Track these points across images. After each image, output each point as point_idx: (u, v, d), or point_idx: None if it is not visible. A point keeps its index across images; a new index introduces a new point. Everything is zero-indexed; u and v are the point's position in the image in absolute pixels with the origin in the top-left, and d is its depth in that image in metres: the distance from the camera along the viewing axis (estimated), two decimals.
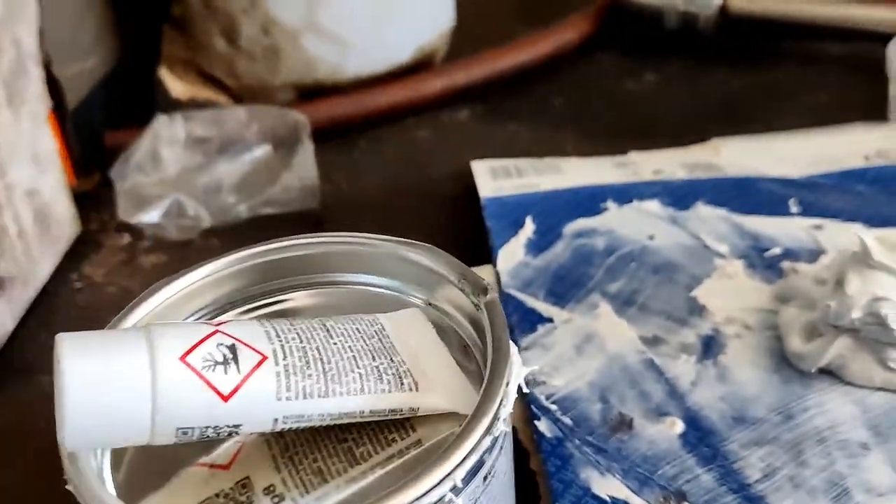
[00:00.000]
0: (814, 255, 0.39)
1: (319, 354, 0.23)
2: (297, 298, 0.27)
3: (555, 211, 0.45)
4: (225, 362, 0.22)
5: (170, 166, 0.51)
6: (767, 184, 0.45)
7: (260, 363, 0.22)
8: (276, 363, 0.22)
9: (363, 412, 0.23)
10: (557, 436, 0.32)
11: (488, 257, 0.43)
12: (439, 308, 0.27)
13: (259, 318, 0.27)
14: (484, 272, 0.42)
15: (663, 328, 0.36)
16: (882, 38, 0.55)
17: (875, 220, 0.42)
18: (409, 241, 0.27)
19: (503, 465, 0.23)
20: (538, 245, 0.42)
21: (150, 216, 0.49)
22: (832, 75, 0.61)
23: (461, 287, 0.26)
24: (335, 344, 0.24)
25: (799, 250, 0.40)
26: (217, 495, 0.24)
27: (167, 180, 0.50)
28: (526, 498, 0.31)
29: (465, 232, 0.46)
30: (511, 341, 0.24)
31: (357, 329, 0.25)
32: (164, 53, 0.63)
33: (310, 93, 0.60)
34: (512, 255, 0.42)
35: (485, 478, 0.22)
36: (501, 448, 0.23)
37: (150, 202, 0.49)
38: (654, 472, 0.30)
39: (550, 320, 0.38)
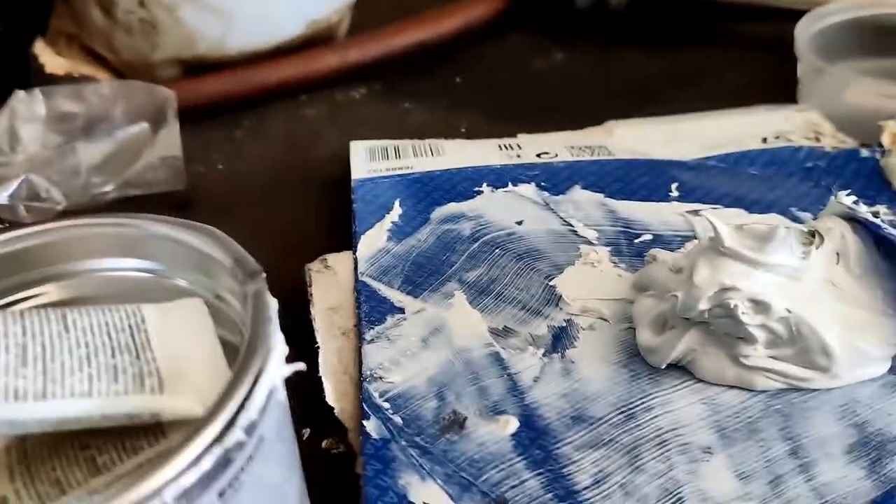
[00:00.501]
0: (685, 240, 0.37)
1: (43, 351, 0.20)
2: (51, 292, 0.24)
3: (426, 195, 0.42)
4: None
5: (29, 145, 0.47)
6: (653, 166, 0.43)
7: None
8: None
9: (92, 417, 0.20)
10: (384, 437, 0.29)
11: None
12: (220, 295, 0.24)
13: None
14: (343, 259, 0.39)
15: (516, 319, 0.34)
16: (794, 17, 0.53)
17: (760, 204, 0.39)
18: (182, 220, 0.24)
19: (258, 477, 0.20)
20: (403, 230, 0.40)
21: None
22: (742, 57, 0.59)
23: (233, 273, 0.23)
24: (69, 339, 0.21)
25: (670, 236, 0.37)
26: None
27: (24, 160, 0.47)
28: (347, 501, 0.29)
29: (341, 216, 0.43)
30: (274, 336, 0.21)
31: (106, 322, 0.22)
32: (51, 27, 0.60)
33: (195, 69, 0.57)
34: (374, 240, 0.39)
35: (220, 493, 0.19)
36: (251, 458, 0.20)
37: (1, 182, 0.45)
38: (479, 476, 0.27)
39: (402, 311, 0.35)
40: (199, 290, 0.25)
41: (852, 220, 0.30)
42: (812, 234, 0.30)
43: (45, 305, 0.24)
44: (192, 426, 0.20)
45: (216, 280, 0.24)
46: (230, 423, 0.19)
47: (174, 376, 0.21)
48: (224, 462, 0.19)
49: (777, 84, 0.53)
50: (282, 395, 0.22)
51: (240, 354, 0.20)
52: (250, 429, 0.19)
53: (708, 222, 0.29)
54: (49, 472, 0.21)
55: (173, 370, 0.21)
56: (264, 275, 0.23)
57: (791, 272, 0.28)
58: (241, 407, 0.19)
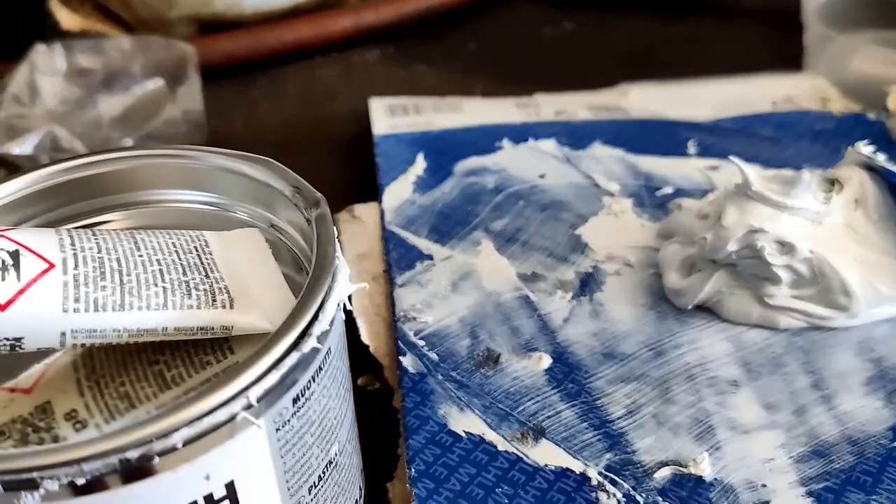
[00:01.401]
0: (705, 194, 0.38)
1: (120, 266, 0.21)
2: (116, 220, 0.25)
3: (448, 149, 0.43)
4: (3, 269, 0.19)
5: (49, 98, 0.48)
6: (669, 126, 0.44)
7: (45, 272, 0.20)
8: (65, 272, 0.20)
9: (167, 329, 0.21)
10: (421, 371, 0.30)
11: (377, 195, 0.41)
12: (277, 226, 0.25)
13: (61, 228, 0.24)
14: (369, 209, 0.40)
15: (543, 265, 0.35)
16: None
17: (773, 163, 0.41)
18: (241, 153, 0.25)
19: (324, 388, 0.21)
20: (427, 183, 0.41)
21: (23, 147, 0.45)
22: (750, 27, 0.60)
23: (294, 201, 0.24)
24: (141, 256, 0.22)
25: (691, 190, 0.38)
26: (14, 420, 0.21)
27: (44, 112, 0.47)
28: (388, 438, 0.30)
29: (360, 172, 0.44)
30: (338, 257, 0.22)
31: (173, 243, 0.23)
32: None
33: (210, 27, 0.57)
34: (399, 192, 0.40)
35: (295, 400, 0.20)
36: (320, 369, 0.21)
37: (23, 133, 0.46)
38: (516, 407, 0.29)
39: (430, 257, 0.36)
40: (257, 222, 0.26)
41: (870, 168, 0.31)
42: (832, 181, 0.31)
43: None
44: (258, 343, 0.21)
45: (275, 211, 0.25)
46: (305, 332, 0.20)
47: (242, 296, 0.22)
48: (297, 369, 0.20)
49: (782, 53, 0.54)
50: (342, 314, 0.23)
51: (311, 271, 0.21)
52: (322, 338, 0.20)
53: (737, 166, 0.30)
54: (118, 387, 0.22)
55: (240, 290, 0.22)
56: (324, 202, 0.23)
57: (814, 216, 0.30)
58: (315, 317, 0.20)
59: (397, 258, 0.36)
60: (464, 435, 0.28)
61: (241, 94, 0.55)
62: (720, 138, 0.43)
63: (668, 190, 0.39)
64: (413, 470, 0.27)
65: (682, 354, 0.30)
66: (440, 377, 0.30)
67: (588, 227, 0.36)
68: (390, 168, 0.42)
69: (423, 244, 0.37)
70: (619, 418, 0.28)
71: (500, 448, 0.27)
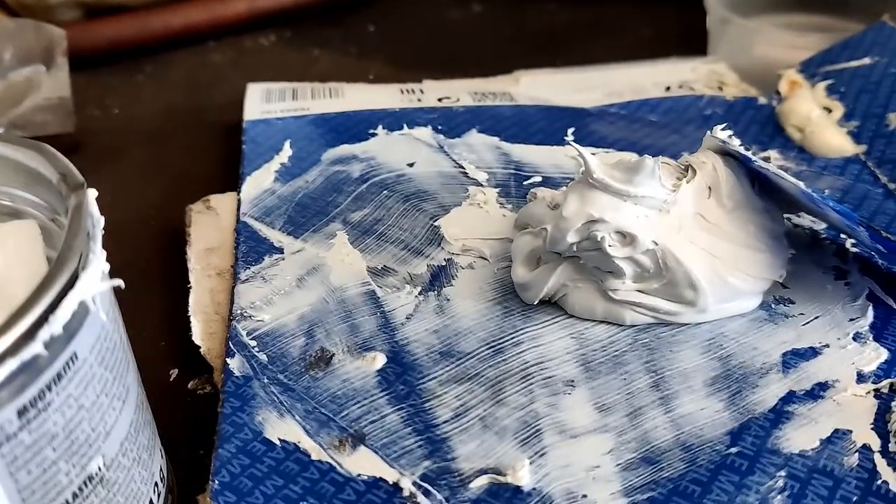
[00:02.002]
0: None
1: None
2: None
3: (319, 136, 0.41)
4: None
5: None
6: (552, 113, 0.42)
7: None
8: None
9: None
10: (246, 374, 0.28)
11: None
12: (58, 220, 0.23)
13: None
14: (227, 200, 0.38)
15: (396, 259, 0.33)
16: None
17: (651, 150, 0.39)
18: (13, 135, 0.23)
19: (71, 398, 0.19)
20: (291, 172, 0.38)
21: None
22: (656, 10, 0.58)
23: (59, 188, 0.22)
24: None
25: (560, 178, 0.37)
26: None
27: None
28: (210, 443, 0.28)
29: (234, 159, 0.42)
30: (92, 250, 0.20)
31: None
32: None
33: (97, 12, 0.55)
34: (260, 181, 0.38)
35: (21, 412, 0.18)
36: (60, 377, 0.19)
37: None
38: (339, 412, 0.27)
39: (281, 251, 0.34)
40: (34, 212, 0.23)
41: (727, 154, 0.30)
42: (686, 167, 0.29)
43: None
44: None
45: (49, 199, 0.23)
46: (28, 335, 0.18)
47: None
48: (24, 376, 0.18)
49: (689, 37, 0.53)
50: (105, 315, 0.21)
51: (52, 268, 0.19)
52: (54, 344, 0.18)
53: (577, 152, 0.28)
54: None
55: None
56: (89, 189, 0.21)
57: (660, 204, 0.28)
58: (43, 319, 0.18)
59: (245, 252, 0.34)
60: (278, 443, 0.26)
61: (124, 81, 0.52)
62: (603, 125, 0.41)
63: (536, 178, 0.37)
64: (217, 482, 0.25)
65: (522, 352, 0.28)
66: (266, 380, 0.28)
67: (448, 219, 0.35)
68: (256, 156, 0.40)
69: (276, 236, 0.35)
70: (445, 422, 0.26)
71: (314, 457, 0.25)
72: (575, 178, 0.29)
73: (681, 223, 0.28)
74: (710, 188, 0.29)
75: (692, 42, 0.52)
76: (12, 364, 0.17)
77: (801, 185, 0.28)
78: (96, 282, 0.20)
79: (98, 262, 0.20)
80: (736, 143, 0.29)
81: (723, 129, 0.30)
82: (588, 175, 0.28)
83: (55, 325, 0.18)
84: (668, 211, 0.28)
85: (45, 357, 0.18)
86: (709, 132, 0.30)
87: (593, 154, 0.28)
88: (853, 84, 0.41)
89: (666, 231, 0.28)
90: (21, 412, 0.18)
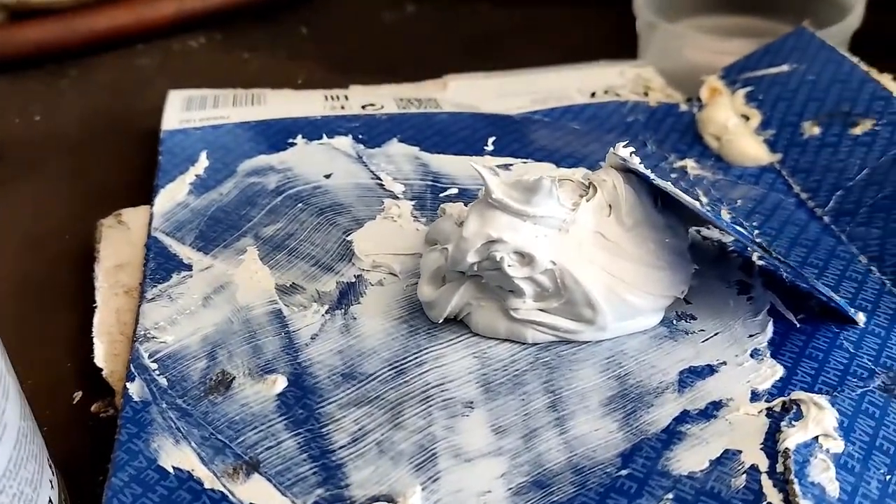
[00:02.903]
0: None
1: None
2: None
3: (236, 146, 0.40)
4: None
5: None
6: (475, 120, 0.42)
7: None
8: None
9: None
10: (145, 399, 0.28)
11: None
12: None
13: None
14: (139, 214, 0.37)
15: (306, 275, 0.33)
16: None
17: (570, 160, 0.39)
18: None
19: None
20: (205, 184, 0.38)
21: None
22: (589, 13, 0.58)
23: None
24: None
25: (475, 191, 0.37)
26: None
27: None
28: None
29: (152, 169, 0.41)
30: None
31: None
32: None
33: (21, 15, 0.53)
34: (174, 194, 0.37)
35: None
36: None
37: None
38: (236, 438, 0.26)
39: (189, 268, 0.33)
40: None
41: (629, 171, 0.30)
42: (588, 185, 0.29)
43: None
44: None
45: None
46: None
47: None
48: None
49: (621, 41, 0.53)
50: None
51: None
52: None
53: (478, 173, 0.28)
54: None
55: None
56: None
57: (559, 224, 0.28)
58: None
59: (154, 269, 0.33)
60: (171, 471, 0.25)
61: (47, 86, 0.51)
62: (526, 132, 0.41)
63: (453, 190, 0.37)
64: None
65: (424, 373, 0.28)
66: (164, 405, 0.28)
67: (361, 233, 0.34)
68: (171, 167, 0.39)
69: (186, 252, 0.34)
70: (341, 447, 0.26)
71: (207, 485, 0.25)
72: (478, 197, 0.29)
73: (580, 242, 0.28)
74: (610, 206, 0.29)
75: (624, 45, 0.52)
76: None
77: (697, 204, 0.28)
78: None
79: None
80: (636, 161, 0.29)
81: (625, 146, 0.30)
82: (487, 195, 0.28)
83: None
84: (567, 230, 0.28)
85: None
86: (611, 149, 0.30)
87: (508, 167, 0.28)
88: (771, 91, 0.42)
89: (565, 250, 0.28)
90: None
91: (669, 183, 0.28)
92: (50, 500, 0.24)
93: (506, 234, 0.27)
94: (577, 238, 0.28)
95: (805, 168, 0.38)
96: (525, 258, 0.27)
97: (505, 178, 0.29)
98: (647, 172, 0.29)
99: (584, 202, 0.28)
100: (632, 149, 0.30)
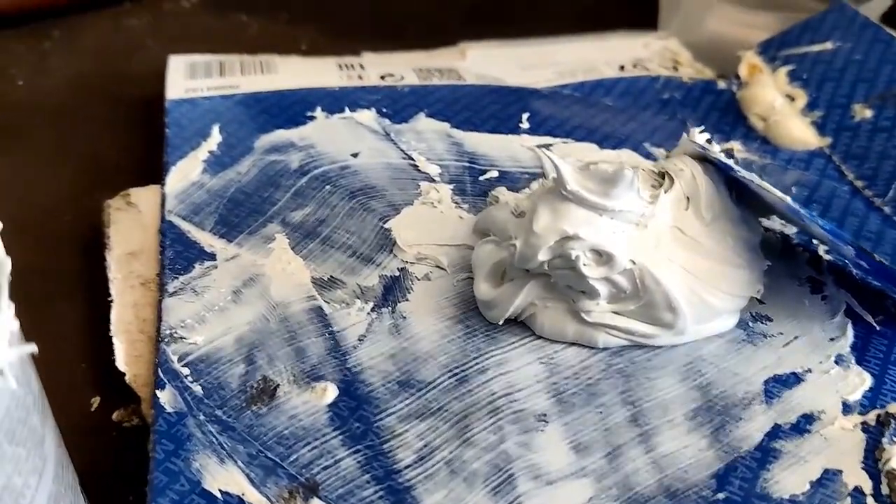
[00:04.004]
0: (534, 180, 0.34)
1: None
2: None
3: (251, 119, 0.37)
4: None
5: None
6: (504, 94, 0.39)
7: None
8: None
9: None
10: (180, 410, 0.25)
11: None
12: None
13: None
14: (149, 194, 0.34)
15: (344, 268, 0.30)
16: None
17: (611, 140, 0.37)
18: None
19: None
20: (221, 161, 0.35)
21: None
22: None
23: None
24: None
25: (518, 174, 0.34)
26: None
27: None
28: (140, 487, 0.24)
29: (153, 145, 0.38)
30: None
31: None
32: None
33: None
34: (187, 172, 0.34)
35: None
36: None
37: None
38: (288, 456, 0.24)
39: (213, 257, 0.30)
40: None
41: (704, 160, 0.27)
42: (662, 175, 0.27)
43: None
44: None
45: None
46: None
47: None
48: None
49: (638, 8, 0.50)
50: (15, 381, 0.17)
51: None
52: None
53: (550, 163, 0.25)
54: None
55: None
56: None
57: (637, 219, 0.26)
58: None
59: (173, 258, 0.30)
60: (219, 496, 0.23)
61: (30, 48, 0.47)
62: (559, 108, 0.39)
63: (493, 173, 0.34)
64: None
65: (489, 381, 0.26)
66: (202, 417, 0.25)
67: (400, 220, 0.32)
68: (181, 141, 0.36)
69: (207, 239, 0.31)
70: (407, 467, 0.24)
71: None
72: (541, 183, 0.27)
73: (658, 238, 0.26)
74: (688, 198, 0.27)
75: (638, 11, 0.50)
76: None
77: (789, 199, 0.26)
78: (3, 346, 0.16)
79: (4, 320, 0.17)
80: (716, 150, 0.27)
81: (701, 132, 0.27)
82: (561, 186, 0.25)
83: None
84: (645, 225, 0.26)
85: None
86: (685, 135, 0.28)
87: (548, 147, 0.25)
88: (815, 70, 0.40)
89: (643, 248, 0.26)
90: None
91: (754, 174, 0.26)
92: None
93: (582, 231, 0.25)
94: (655, 234, 0.26)
95: (858, 154, 0.36)
96: (603, 257, 0.25)
97: (576, 166, 0.26)
98: (730, 162, 0.26)
99: (662, 194, 0.26)
100: (708, 135, 0.28)
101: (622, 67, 0.43)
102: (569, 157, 0.34)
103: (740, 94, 0.40)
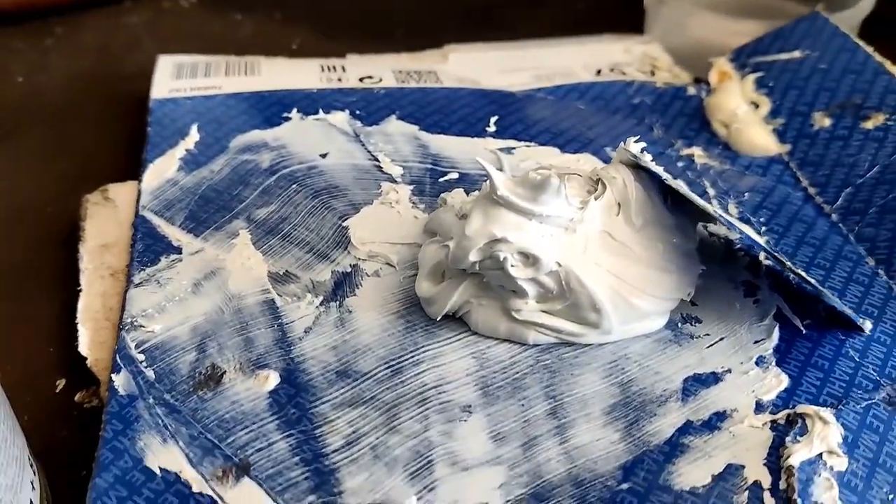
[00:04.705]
0: None
1: None
2: None
3: (229, 119, 0.39)
4: None
5: None
6: (476, 97, 0.41)
7: None
8: None
9: None
10: (132, 393, 0.27)
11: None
12: None
13: None
14: (127, 189, 0.36)
15: (300, 263, 0.32)
16: None
17: (574, 144, 0.38)
18: None
19: None
20: (196, 160, 0.37)
21: None
22: None
23: None
24: None
25: (477, 176, 0.35)
26: None
27: None
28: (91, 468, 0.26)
29: (141, 139, 0.40)
30: None
31: None
32: None
33: None
34: (163, 170, 0.36)
35: None
36: None
37: None
38: (226, 438, 0.26)
39: (179, 251, 0.32)
40: None
41: (639, 168, 0.29)
42: (597, 181, 0.28)
43: None
44: None
45: None
46: None
47: None
48: None
49: (627, 12, 0.51)
50: None
51: None
52: None
53: (484, 168, 0.27)
54: None
55: None
56: None
57: (565, 223, 0.27)
58: None
59: (142, 250, 0.32)
60: (158, 472, 0.25)
61: (30, 44, 0.49)
62: (529, 112, 0.40)
63: (453, 175, 0.35)
64: None
65: (422, 373, 0.27)
66: (151, 400, 0.27)
67: (358, 219, 0.33)
68: (161, 140, 0.38)
69: (175, 234, 0.33)
70: (335, 451, 0.25)
71: (195, 489, 0.24)
72: (480, 190, 0.28)
73: (587, 242, 0.27)
74: (619, 204, 0.28)
75: (631, 16, 0.51)
76: None
77: (710, 207, 0.27)
78: None
79: None
80: (647, 158, 0.28)
81: (636, 142, 0.28)
82: (493, 192, 0.27)
83: None
84: (574, 230, 0.27)
85: None
86: (622, 144, 0.29)
87: (511, 150, 0.27)
88: (782, 78, 0.40)
89: (571, 251, 0.27)
90: None
91: (682, 182, 0.27)
92: (31, 502, 0.23)
93: (510, 234, 0.26)
94: (583, 238, 0.27)
95: (814, 161, 0.37)
96: (529, 259, 0.27)
97: (510, 171, 0.27)
98: (659, 171, 0.28)
99: (592, 201, 0.27)
100: (643, 144, 0.29)
101: (599, 72, 0.44)
102: (527, 161, 0.36)
103: (706, 101, 0.41)
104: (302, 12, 0.53)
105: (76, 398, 0.29)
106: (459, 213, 0.30)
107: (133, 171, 0.37)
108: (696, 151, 0.38)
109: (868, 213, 0.34)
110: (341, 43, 0.48)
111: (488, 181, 0.27)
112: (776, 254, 0.28)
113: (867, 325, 0.29)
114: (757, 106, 0.40)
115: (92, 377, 0.29)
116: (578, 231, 0.27)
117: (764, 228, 0.33)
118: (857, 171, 0.35)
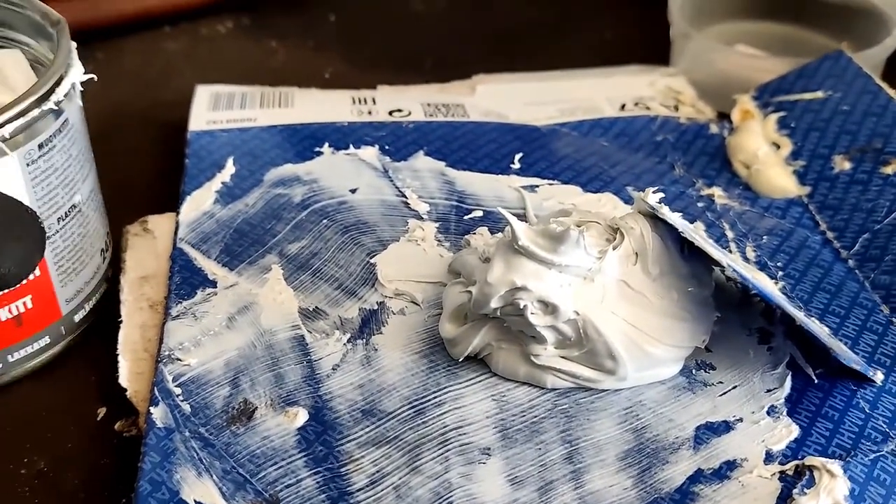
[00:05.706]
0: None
1: None
2: None
3: (264, 153, 0.40)
4: None
5: None
6: (503, 133, 0.42)
7: None
8: None
9: None
10: (169, 426, 0.28)
11: None
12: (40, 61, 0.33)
13: None
14: (165, 221, 0.37)
15: (329, 300, 0.33)
16: None
17: (596, 183, 0.39)
18: None
19: (65, 147, 0.29)
20: (232, 192, 0.38)
21: None
22: (621, 12, 0.57)
23: (42, 23, 0.32)
24: None
25: (500, 215, 0.36)
26: None
27: None
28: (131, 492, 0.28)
29: (180, 169, 0.41)
30: (73, 58, 0.30)
31: None
32: None
33: None
34: (200, 202, 0.37)
35: (41, 146, 0.28)
36: (60, 131, 0.29)
37: None
38: (257, 473, 0.27)
39: (214, 284, 0.34)
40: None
41: (656, 218, 0.30)
42: (616, 230, 0.29)
43: None
44: None
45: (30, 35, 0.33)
46: (47, 94, 0.28)
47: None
48: (42, 121, 0.28)
49: (655, 42, 0.52)
50: (79, 102, 0.32)
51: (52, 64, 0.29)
52: (58, 105, 0.29)
53: (505, 218, 0.28)
54: None
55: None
56: (64, 21, 0.32)
57: (584, 273, 0.28)
58: (52, 90, 0.28)
59: (179, 283, 0.34)
60: None
61: None
62: (553, 148, 0.41)
63: (478, 213, 0.37)
64: None
65: (443, 415, 0.28)
66: (187, 434, 0.28)
67: (385, 256, 0.34)
68: (198, 172, 0.39)
69: (211, 267, 0.34)
70: (359, 490, 0.26)
71: None
72: (502, 237, 0.29)
73: (604, 292, 0.28)
74: (636, 254, 0.29)
75: (659, 46, 0.51)
76: (35, 112, 0.28)
77: (725, 260, 0.28)
78: (78, 73, 0.30)
79: (78, 64, 0.30)
80: (665, 210, 0.29)
81: (654, 192, 0.29)
82: (514, 241, 0.28)
83: (59, 93, 0.29)
84: (592, 279, 0.28)
85: (53, 112, 0.28)
86: (640, 195, 0.30)
87: (534, 188, 0.28)
88: (804, 119, 0.41)
89: (588, 300, 0.28)
90: (40, 146, 0.28)
91: (700, 229, 0.28)
92: (106, 239, 0.33)
93: (530, 283, 0.27)
94: (601, 287, 0.28)
95: (833, 205, 0.37)
96: (549, 307, 0.28)
97: (532, 210, 0.28)
98: (677, 222, 0.29)
99: (610, 251, 0.28)
100: (661, 195, 0.30)
101: (623, 106, 0.45)
102: (550, 199, 0.37)
103: (728, 140, 0.42)
104: (336, 40, 0.54)
105: (116, 427, 0.31)
106: (482, 256, 0.31)
107: (170, 201, 0.39)
108: (717, 192, 0.39)
109: (884, 260, 0.34)
110: (372, 71, 0.50)
111: (510, 229, 0.28)
112: (789, 306, 0.29)
113: (879, 377, 0.30)
114: (778, 147, 0.41)
115: (131, 407, 0.31)
116: (596, 280, 0.28)
117: (781, 273, 0.34)
118: (875, 217, 0.36)
